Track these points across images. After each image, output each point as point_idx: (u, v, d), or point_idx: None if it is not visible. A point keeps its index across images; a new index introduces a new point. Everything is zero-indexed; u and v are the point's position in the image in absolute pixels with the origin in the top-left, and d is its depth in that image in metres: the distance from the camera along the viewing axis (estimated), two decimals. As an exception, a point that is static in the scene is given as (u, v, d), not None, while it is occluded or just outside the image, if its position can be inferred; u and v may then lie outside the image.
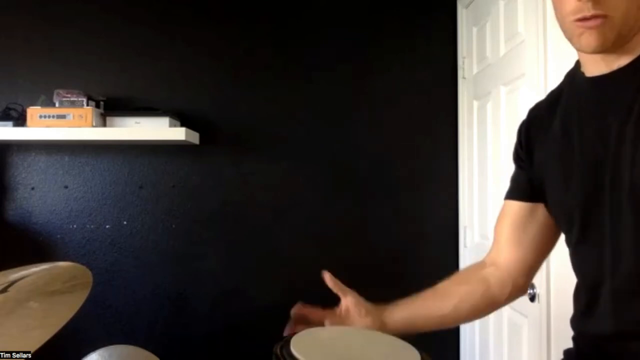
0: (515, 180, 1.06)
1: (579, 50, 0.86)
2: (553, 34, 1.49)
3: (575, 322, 0.96)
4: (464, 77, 2.29)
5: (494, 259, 1.09)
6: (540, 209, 1.00)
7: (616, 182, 0.81)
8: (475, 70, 2.20)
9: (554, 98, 0.98)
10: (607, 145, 0.82)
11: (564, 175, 0.91)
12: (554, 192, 0.94)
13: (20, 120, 2.10)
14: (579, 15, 0.80)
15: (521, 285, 1.07)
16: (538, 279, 1.54)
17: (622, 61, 0.83)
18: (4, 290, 0.80)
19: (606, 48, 0.81)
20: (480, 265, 1.11)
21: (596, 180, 0.84)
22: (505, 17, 1.88)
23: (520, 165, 1.04)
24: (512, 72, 1.79)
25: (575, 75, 0.94)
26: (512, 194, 1.06)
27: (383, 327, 1.03)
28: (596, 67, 0.87)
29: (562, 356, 1.00)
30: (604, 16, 0.78)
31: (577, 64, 0.93)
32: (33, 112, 2.05)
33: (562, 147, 0.91)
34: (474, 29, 2.20)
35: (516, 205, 1.04)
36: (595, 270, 0.86)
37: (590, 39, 0.80)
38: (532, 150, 0.99)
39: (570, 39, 0.85)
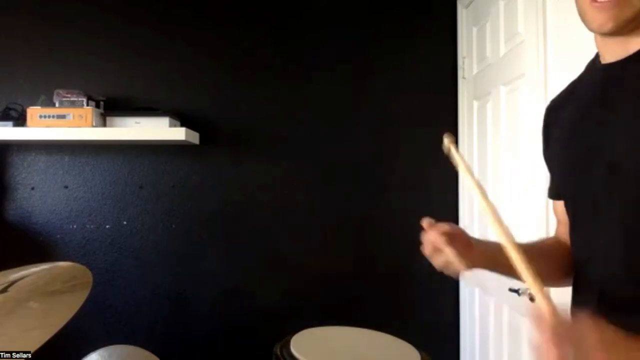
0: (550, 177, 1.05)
1: (591, 30, 0.83)
2: (553, 34, 1.49)
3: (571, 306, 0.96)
4: (464, 77, 2.29)
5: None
6: None
7: (616, 168, 0.81)
8: (475, 70, 2.20)
9: (572, 86, 0.99)
10: (608, 132, 0.82)
11: (566, 161, 0.92)
12: (560, 177, 0.97)
13: (20, 120, 2.10)
14: None
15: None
16: (538, 279, 1.54)
17: (633, 47, 0.80)
18: (4, 290, 0.80)
19: (620, 29, 0.78)
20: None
21: (597, 165, 0.84)
22: (505, 17, 1.88)
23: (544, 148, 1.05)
24: (512, 72, 1.79)
25: (593, 63, 0.93)
26: (549, 193, 1.06)
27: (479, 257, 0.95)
28: (610, 53, 0.85)
29: None
30: None
31: (597, 52, 0.92)
32: (33, 112, 2.05)
33: (569, 134, 0.93)
34: (474, 29, 2.20)
35: (558, 206, 1.02)
36: (586, 255, 0.88)
37: (603, 17, 0.77)
38: (549, 135, 1.02)
39: (582, 19, 0.81)
